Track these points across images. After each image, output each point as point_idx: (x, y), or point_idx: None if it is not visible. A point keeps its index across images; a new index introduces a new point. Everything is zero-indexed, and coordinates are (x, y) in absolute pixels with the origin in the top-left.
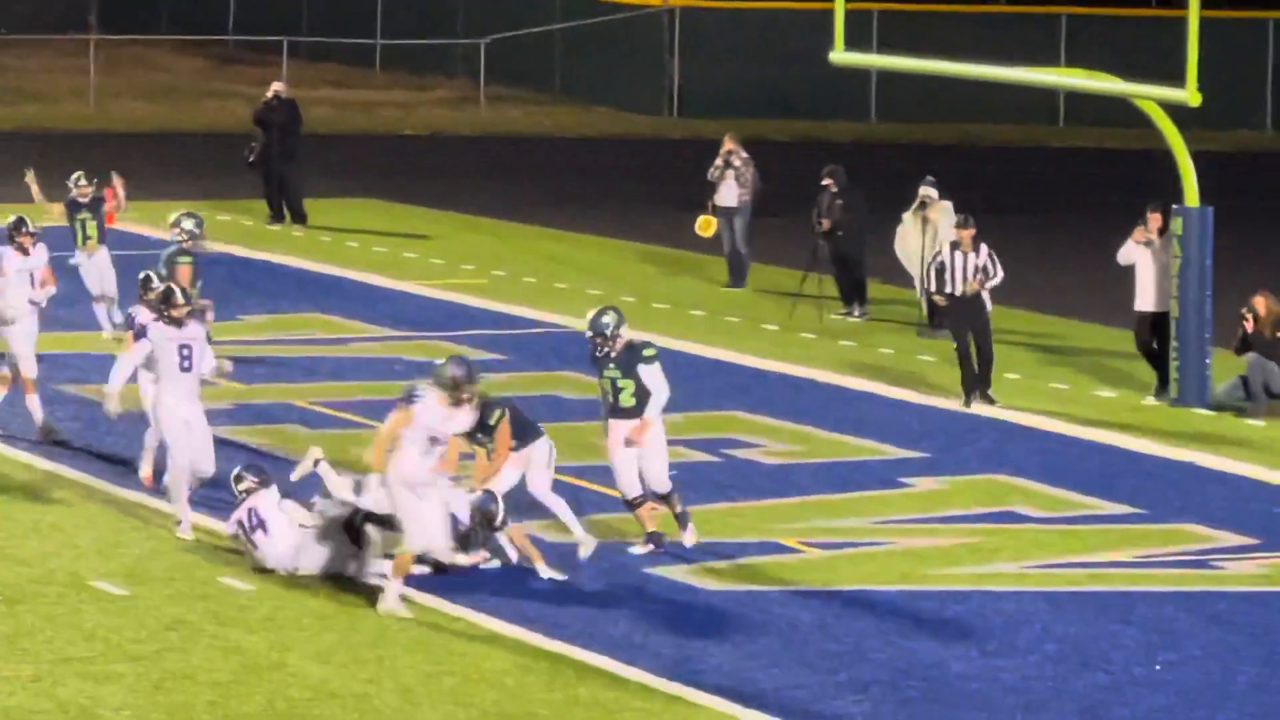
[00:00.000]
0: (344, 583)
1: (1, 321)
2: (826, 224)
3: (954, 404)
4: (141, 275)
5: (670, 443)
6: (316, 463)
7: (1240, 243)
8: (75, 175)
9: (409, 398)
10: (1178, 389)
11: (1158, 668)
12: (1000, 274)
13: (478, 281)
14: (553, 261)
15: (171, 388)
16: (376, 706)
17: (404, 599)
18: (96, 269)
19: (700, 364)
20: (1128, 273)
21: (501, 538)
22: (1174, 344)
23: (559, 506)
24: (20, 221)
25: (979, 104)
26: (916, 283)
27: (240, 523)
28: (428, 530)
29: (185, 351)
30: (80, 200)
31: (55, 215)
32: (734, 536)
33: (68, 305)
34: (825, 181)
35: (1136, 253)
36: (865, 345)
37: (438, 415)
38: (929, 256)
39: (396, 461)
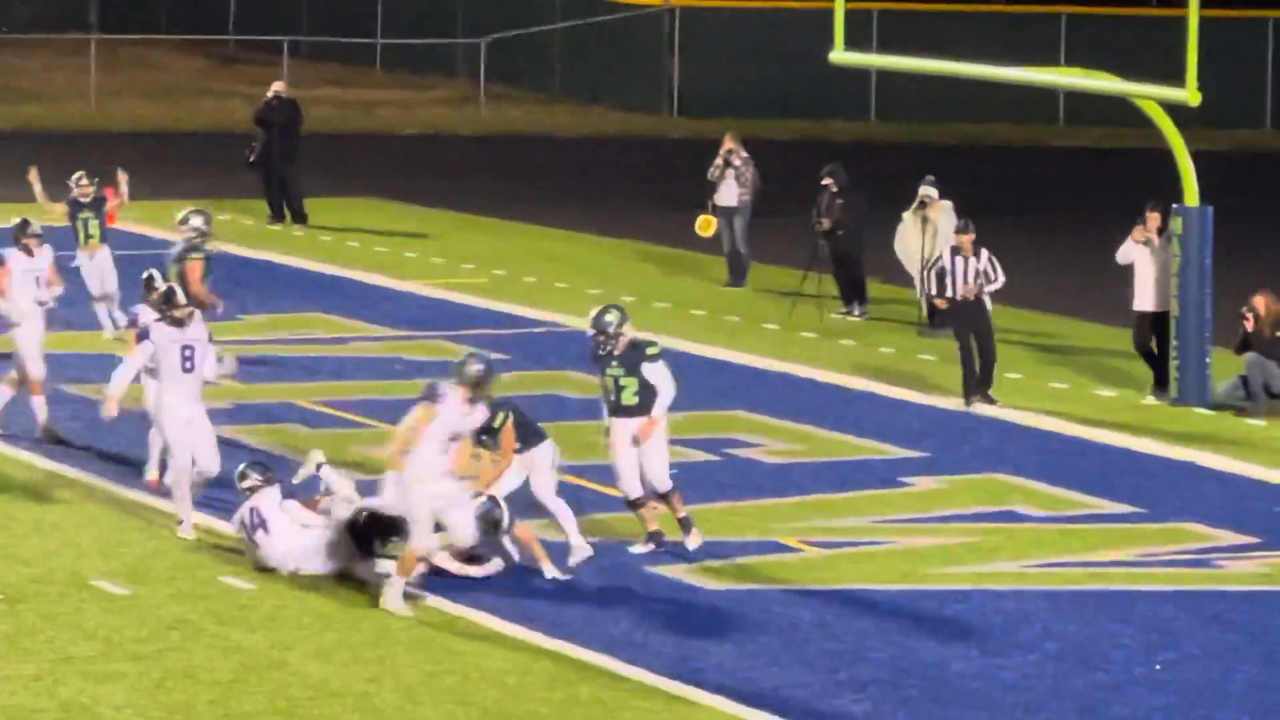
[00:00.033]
0: (345, 582)
1: (8, 323)
2: (826, 223)
3: (954, 403)
4: (145, 275)
5: (671, 442)
6: (319, 466)
7: (1240, 242)
8: (76, 175)
9: (432, 395)
10: (1178, 388)
11: (1157, 667)
12: (1001, 279)
13: (478, 281)
14: (553, 261)
15: (173, 388)
16: (377, 705)
17: (407, 598)
18: (97, 268)
19: (700, 363)
20: (1127, 272)
21: (505, 539)
22: (1174, 343)
23: (561, 512)
24: (26, 223)
25: (979, 103)
26: (916, 282)
27: (242, 521)
28: (460, 527)
29: (187, 352)
30: (82, 200)
31: (57, 215)
32: (734, 536)
33: (68, 305)
34: (825, 181)
35: (1135, 252)
36: (865, 344)
37: (459, 413)
38: (929, 256)
39: (414, 460)
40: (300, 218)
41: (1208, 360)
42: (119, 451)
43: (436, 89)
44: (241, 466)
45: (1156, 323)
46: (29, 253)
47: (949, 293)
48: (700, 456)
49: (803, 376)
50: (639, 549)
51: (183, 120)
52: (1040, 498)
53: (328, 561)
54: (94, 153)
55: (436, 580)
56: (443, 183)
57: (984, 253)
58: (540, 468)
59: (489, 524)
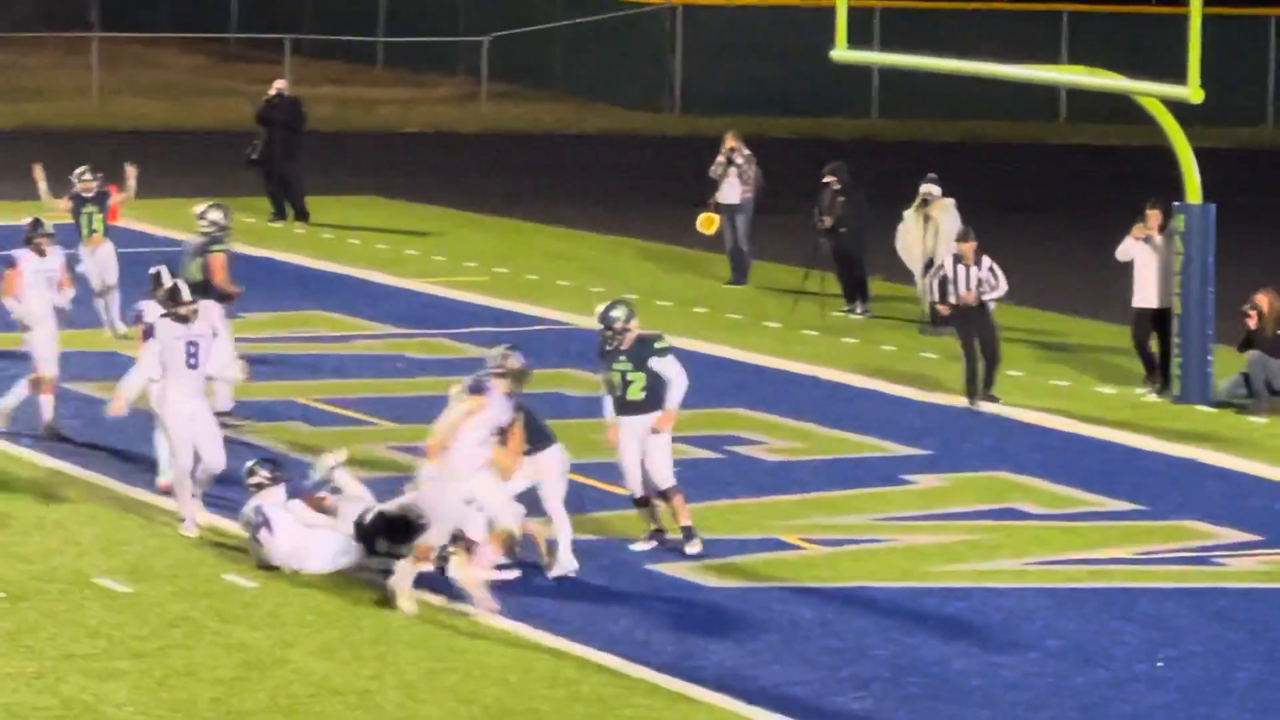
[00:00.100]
0: (347, 580)
1: (21, 326)
2: (828, 221)
3: (955, 401)
4: (152, 271)
5: (672, 439)
6: (331, 470)
7: (1242, 240)
8: (80, 170)
9: (480, 389)
10: (1180, 386)
11: (1159, 664)
12: (1003, 286)
13: (480, 279)
14: (555, 259)
15: (177, 384)
16: (379, 703)
17: (411, 596)
18: (99, 262)
19: (702, 361)
20: (1128, 269)
21: (517, 549)
22: (1176, 341)
23: (561, 525)
24: (38, 222)
25: (981, 101)
26: (917, 280)
27: (247, 520)
28: (504, 513)
29: (191, 349)
30: (85, 195)
31: (60, 211)
32: (735, 533)
33: (69, 303)
34: (827, 179)
35: (1135, 249)
36: (867, 342)
37: (500, 406)
38: (930, 254)
39: (454, 454)
40: (302, 215)
41: (1210, 358)
42: (121, 449)
43: (438, 87)
44: (251, 463)
45: (1156, 320)
46: (41, 252)
47: (952, 299)
48: (701, 454)
49: (804, 374)
50: (640, 546)
51: (185, 118)
52: (1041, 495)
53: (332, 562)
54: (96, 150)
55: (439, 577)
56: (444, 180)
57: (985, 260)
58: (549, 473)
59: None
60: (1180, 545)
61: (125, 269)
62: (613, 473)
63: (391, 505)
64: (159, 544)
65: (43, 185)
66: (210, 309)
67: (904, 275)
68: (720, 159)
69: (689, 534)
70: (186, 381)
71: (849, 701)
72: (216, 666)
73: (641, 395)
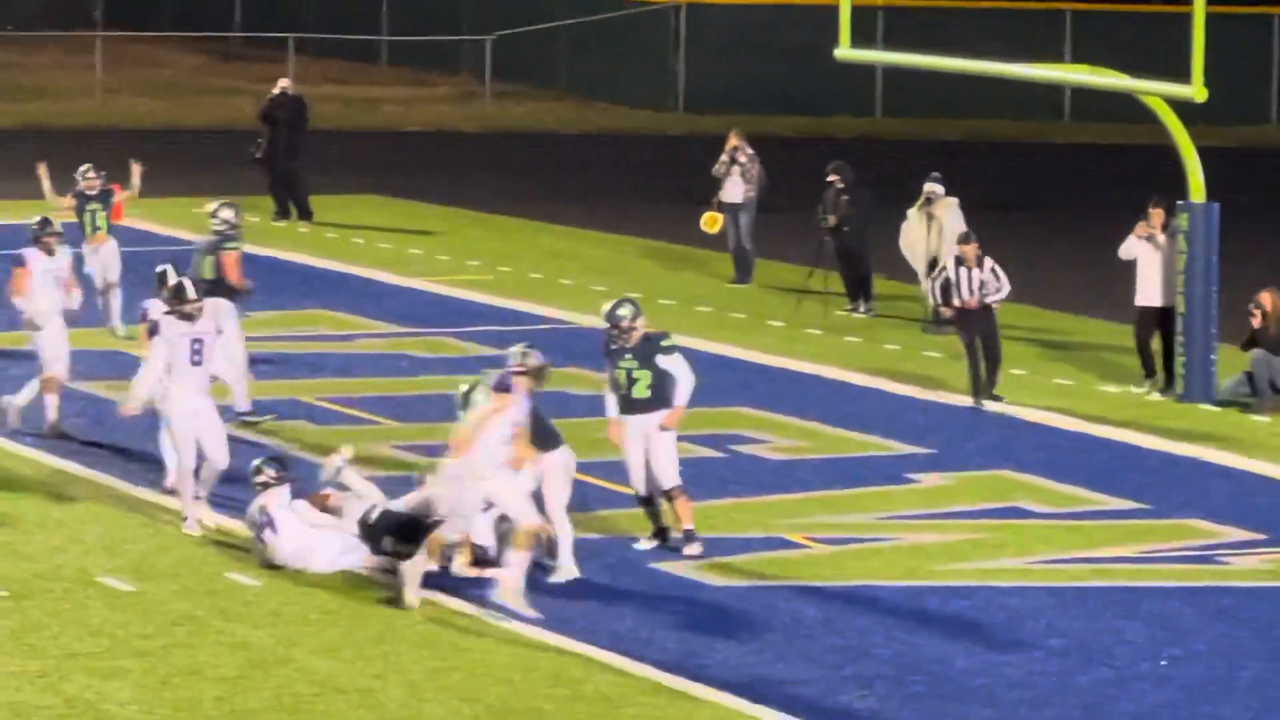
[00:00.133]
0: (350, 579)
1: (30, 325)
2: (832, 220)
3: (959, 400)
4: (159, 270)
5: (676, 438)
6: (338, 470)
7: (1246, 238)
8: (83, 167)
9: (504, 387)
10: (1183, 385)
11: (1163, 663)
12: (1006, 288)
13: (483, 277)
14: (558, 258)
15: (181, 381)
16: (382, 701)
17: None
18: (101, 260)
19: (705, 360)
20: (1132, 268)
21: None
22: (1180, 339)
23: (563, 531)
24: (46, 221)
25: (984, 100)
26: (921, 278)
27: (251, 520)
28: (523, 514)
29: (196, 346)
30: (88, 192)
31: (64, 208)
32: (739, 532)
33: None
34: (831, 177)
35: (1138, 248)
36: (870, 341)
37: (523, 405)
38: (934, 253)
39: (477, 451)
40: (305, 214)
41: (1213, 357)
42: (125, 448)
43: (441, 86)
44: (258, 461)
45: (1159, 318)
46: (49, 251)
47: (955, 302)
48: (705, 453)
49: (808, 373)
50: (644, 545)
51: (187, 117)
52: (1045, 494)
53: (336, 561)
54: (99, 149)
55: (442, 576)
56: (448, 179)
57: (988, 262)
58: (553, 476)
59: (501, 537)
60: (1184, 544)
61: (128, 268)
62: (617, 471)
63: (399, 504)
64: (162, 543)
65: (46, 183)
66: (223, 307)
67: (907, 274)
68: (723, 158)
69: (690, 537)
70: (191, 379)
71: (853, 700)
72: (220, 665)
73: (647, 393)
